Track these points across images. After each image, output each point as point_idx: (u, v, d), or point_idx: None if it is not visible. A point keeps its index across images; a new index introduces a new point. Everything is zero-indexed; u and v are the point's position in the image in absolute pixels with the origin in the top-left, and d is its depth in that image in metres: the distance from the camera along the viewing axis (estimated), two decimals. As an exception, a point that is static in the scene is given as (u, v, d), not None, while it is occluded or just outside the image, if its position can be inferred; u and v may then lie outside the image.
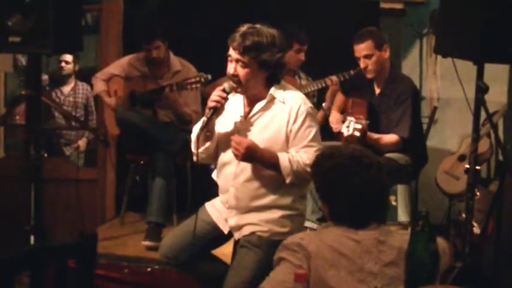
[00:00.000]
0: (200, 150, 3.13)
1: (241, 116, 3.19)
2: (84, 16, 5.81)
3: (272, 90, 3.14)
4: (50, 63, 6.27)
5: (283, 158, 3.07)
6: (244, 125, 3.18)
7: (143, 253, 4.32)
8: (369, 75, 4.26)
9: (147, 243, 4.36)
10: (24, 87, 3.74)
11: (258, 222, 3.15)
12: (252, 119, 3.16)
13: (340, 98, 4.58)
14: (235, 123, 3.18)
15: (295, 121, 3.10)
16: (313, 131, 3.12)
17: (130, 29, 5.20)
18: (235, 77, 3.08)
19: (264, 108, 3.15)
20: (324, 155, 2.44)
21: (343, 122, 4.24)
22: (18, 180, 3.52)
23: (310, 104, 3.19)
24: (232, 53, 3.07)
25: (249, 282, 3.02)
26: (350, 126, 3.95)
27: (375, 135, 4.12)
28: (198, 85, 4.46)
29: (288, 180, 3.09)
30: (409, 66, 5.50)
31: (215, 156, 3.26)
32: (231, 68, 3.09)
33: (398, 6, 5.35)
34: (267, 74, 3.11)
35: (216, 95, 3.06)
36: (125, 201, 4.93)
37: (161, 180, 4.51)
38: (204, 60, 4.87)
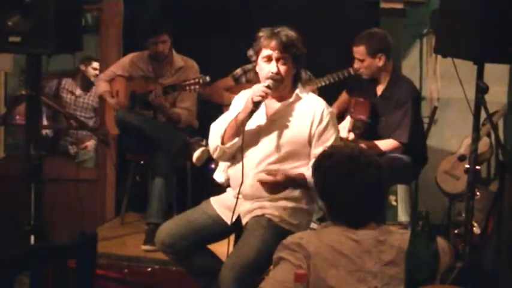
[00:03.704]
0: (227, 145, 3.23)
1: (265, 115, 3.26)
2: (84, 16, 5.81)
3: (297, 91, 3.26)
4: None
5: (309, 173, 3.11)
6: (268, 124, 3.25)
7: (143, 253, 4.32)
8: (364, 77, 4.31)
9: (147, 247, 4.34)
10: (24, 87, 3.73)
11: (270, 207, 3.20)
12: (276, 118, 3.25)
13: (343, 97, 4.59)
14: (259, 121, 3.24)
15: (320, 123, 3.22)
16: (335, 134, 3.25)
17: (131, 29, 5.20)
18: (278, 75, 3.17)
19: (289, 108, 3.25)
20: (323, 154, 2.45)
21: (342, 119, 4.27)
22: (18, 180, 3.52)
23: (331, 108, 3.32)
24: (273, 53, 3.18)
25: (250, 261, 3.03)
26: (346, 126, 3.98)
27: (368, 143, 4.12)
28: (197, 86, 4.46)
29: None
30: (409, 66, 5.50)
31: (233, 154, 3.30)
32: (273, 67, 3.18)
33: (398, 6, 5.34)
34: (295, 70, 3.25)
35: (261, 90, 3.13)
36: (125, 201, 4.94)
37: (161, 180, 4.50)
38: (204, 61, 4.88)
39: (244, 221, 3.24)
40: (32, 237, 3.43)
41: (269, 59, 3.19)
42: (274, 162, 3.21)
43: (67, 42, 3.43)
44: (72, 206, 4.89)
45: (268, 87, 3.14)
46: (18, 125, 5.69)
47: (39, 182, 3.48)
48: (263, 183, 3.12)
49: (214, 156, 3.34)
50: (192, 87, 4.47)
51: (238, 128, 3.17)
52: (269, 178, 3.11)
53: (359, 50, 4.23)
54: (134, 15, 5.32)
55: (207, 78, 4.44)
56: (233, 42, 4.88)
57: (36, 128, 3.56)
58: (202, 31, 5.13)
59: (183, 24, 5.10)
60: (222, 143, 3.24)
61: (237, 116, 3.20)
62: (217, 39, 5.07)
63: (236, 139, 3.21)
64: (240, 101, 3.33)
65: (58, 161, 5.39)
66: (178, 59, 4.85)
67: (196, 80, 4.47)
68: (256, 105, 3.13)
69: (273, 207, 3.20)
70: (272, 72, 3.18)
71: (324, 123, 3.22)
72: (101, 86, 4.92)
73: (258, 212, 3.20)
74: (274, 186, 3.13)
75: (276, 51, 3.17)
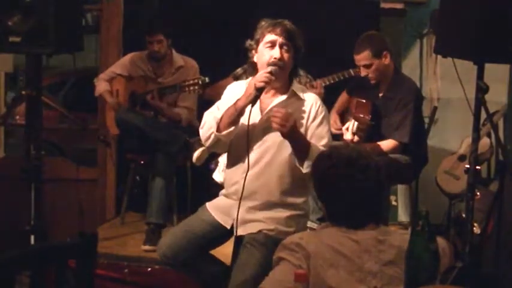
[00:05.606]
0: (223, 133, 3.14)
1: (259, 111, 3.18)
2: (84, 16, 5.81)
3: (293, 87, 3.21)
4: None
5: (315, 146, 3.09)
6: (263, 121, 3.18)
7: (143, 253, 4.32)
8: (372, 82, 4.28)
9: (147, 247, 4.35)
10: (24, 87, 3.74)
11: (265, 220, 3.14)
12: (271, 113, 3.15)
13: (343, 97, 4.58)
14: (254, 117, 3.14)
15: (314, 119, 3.17)
16: (329, 132, 3.21)
17: (131, 29, 5.21)
18: (281, 61, 3.12)
19: (284, 104, 3.17)
20: (323, 155, 2.45)
21: (343, 122, 4.26)
22: (18, 180, 3.52)
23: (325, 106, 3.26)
24: (277, 38, 3.14)
25: (255, 280, 3.00)
26: (350, 128, 3.97)
27: (371, 144, 4.11)
28: (196, 87, 4.46)
29: (305, 170, 3.08)
30: (409, 66, 5.50)
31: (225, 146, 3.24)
32: (276, 52, 3.13)
33: (399, 6, 5.35)
34: (294, 64, 3.19)
35: (264, 76, 3.07)
36: (125, 201, 4.93)
37: (161, 180, 4.51)
38: (204, 61, 4.88)
39: (239, 231, 3.17)
40: (32, 237, 3.43)
41: (273, 44, 3.13)
42: (271, 162, 3.16)
43: (67, 42, 3.43)
44: (72, 206, 4.89)
45: (271, 73, 3.08)
46: (18, 125, 5.69)
47: (39, 182, 3.48)
48: (275, 117, 3.01)
49: (207, 144, 3.23)
50: (192, 88, 4.47)
51: (237, 116, 3.10)
52: (281, 111, 3.02)
53: (364, 56, 4.18)
54: (134, 15, 5.32)
55: (206, 79, 4.44)
56: (233, 42, 4.88)
57: (36, 128, 3.56)
58: (201, 31, 5.13)
59: (182, 24, 5.10)
60: (218, 130, 3.14)
61: (236, 102, 3.11)
62: (218, 39, 5.07)
63: (233, 127, 3.12)
64: (232, 92, 3.27)
65: (58, 161, 5.39)
66: (178, 59, 4.86)
67: (196, 80, 4.47)
68: (259, 90, 3.06)
69: (267, 219, 3.14)
70: (275, 58, 3.11)
71: (319, 119, 3.17)
72: (101, 86, 4.92)
73: (253, 229, 3.14)
74: (284, 119, 2.99)
75: (281, 37, 3.13)
